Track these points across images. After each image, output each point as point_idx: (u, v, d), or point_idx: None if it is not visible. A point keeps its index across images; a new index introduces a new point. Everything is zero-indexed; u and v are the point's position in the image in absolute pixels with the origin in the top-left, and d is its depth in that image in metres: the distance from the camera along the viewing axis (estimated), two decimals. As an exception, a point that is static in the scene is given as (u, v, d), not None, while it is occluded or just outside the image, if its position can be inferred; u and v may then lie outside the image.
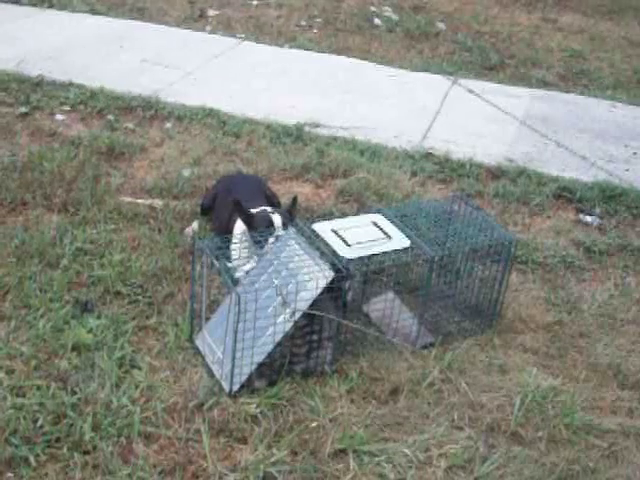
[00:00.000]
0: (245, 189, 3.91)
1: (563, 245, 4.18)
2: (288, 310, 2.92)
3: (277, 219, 3.39)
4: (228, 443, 2.76)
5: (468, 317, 3.48)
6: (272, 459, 2.68)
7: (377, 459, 2.74)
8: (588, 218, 4.55)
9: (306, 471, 2.66)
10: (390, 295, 3.45)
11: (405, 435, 2.86)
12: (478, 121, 5.65)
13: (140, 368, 3.02)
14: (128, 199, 4.16)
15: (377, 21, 7.78)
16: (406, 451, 2.78)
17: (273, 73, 6.14)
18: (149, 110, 5.26)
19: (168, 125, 5.12)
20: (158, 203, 4.16)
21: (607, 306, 3.72)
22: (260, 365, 2.96)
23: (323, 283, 2.94)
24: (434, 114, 5.68)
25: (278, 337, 2.94)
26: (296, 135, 5.09)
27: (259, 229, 3.37)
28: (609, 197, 4.71)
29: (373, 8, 8.24)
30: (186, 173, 4.48)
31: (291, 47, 6.90)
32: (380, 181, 4.55)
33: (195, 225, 3.97)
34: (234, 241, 3.42)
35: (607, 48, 7.79)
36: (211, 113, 5.26)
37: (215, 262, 2.95)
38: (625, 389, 3.19)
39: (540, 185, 4.76)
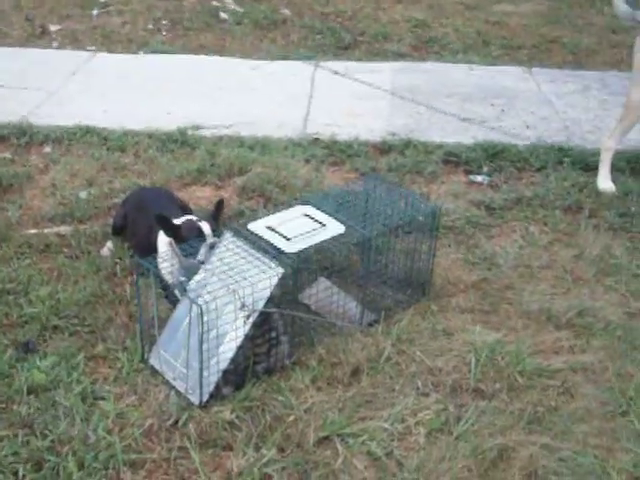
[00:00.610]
0: (157, 202, 3.87)
1: (464, 207, 4.38)
2: (244, 312, 2.94)
3: (205, 227, 3.39)
4: (215, 453, 2.77)
5: (400, 290, 3.60)
6: (263, 460, 2.71)
7: (361, 439, 2.83)
8: (478, 178, 4.79)
9: (298, 464, 2.71)
10: (322, 280, 3.53)
11: (378, 411, 2.96)
12: (351, 100, 5.79)
13: (104, 398, 2.97)
14: (33, 231, 4.04)
15: (223, 15, 7.78)
16: (385, 425, 2.88)
17: (138, 81, 6.05)
18: (23, 137, 5.08)
19: (47, 149, 4.98)
20: (66, 229, 4.05)
21: (520, 257, 3.95)
22: (225, 372, 2.97)
23: (275, 280, 2.98)
24: (308, 99, 5.78)
25: (239, 341, 2.96)
26: (181, 140, 5.06)
27: (188, 240, 3.36)
28: (492, 155, 4.96)
29: (215, 3, 8.22)
30: (83, 195, 4.38)
31: (146, 52, 6.82)
32: (278, 173, 4.60)
33: (109, 245, 3.90)
34: (162, 257, 3.39)
35: (447, 14, 8.11)
36: (89, 131, 5.14)
37: (163, 279, 2.93)
38: (561, 330, 3.42)
39: (427, 153, 4.96)
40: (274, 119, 5.43)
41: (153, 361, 3.15)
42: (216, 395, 2.97)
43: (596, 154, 4.87)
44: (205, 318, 2.79)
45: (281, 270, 2.99)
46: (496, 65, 6.68)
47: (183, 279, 3.00)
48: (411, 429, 2.88)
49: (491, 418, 2.92)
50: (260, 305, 2.97)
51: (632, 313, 3.56)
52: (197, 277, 3.03)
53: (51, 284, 3.60)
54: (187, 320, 3.03)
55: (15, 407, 2.91)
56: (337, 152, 5.00)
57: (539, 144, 5.09)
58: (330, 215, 3.34)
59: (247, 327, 2.97)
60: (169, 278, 3.41)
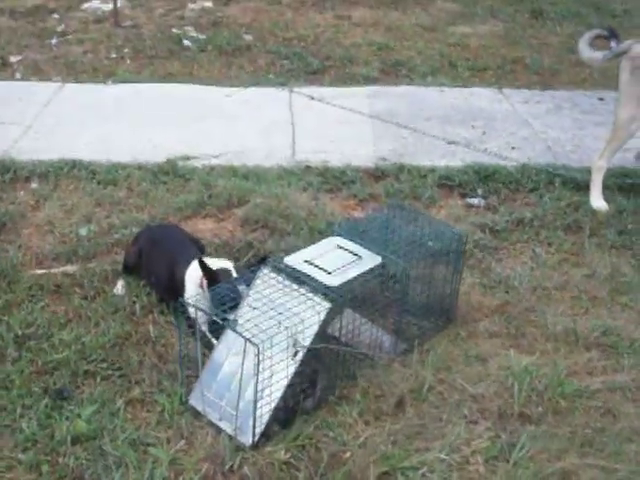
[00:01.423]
0: (172, 240, 3.82)
1: (469, 230, 4.41)
2: (294, 349, 2.91)
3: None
4: (277, 495, 2.71)
5: (424, 317, 3.60)
6: (328, 501, 2.67)
7: (420, 471, 2.82)
8: (474, 201, 4.84)
9: (364, 502, 2.68)
10: (349, 312, 3.51)
11: (431, 442, 2.95)
12: (333, 126, 5.80)
13: (153, 444, 2.89)
14: (40, 271, 3.93)
15: (186, 42, 7.72)
16: (441, 456, 2.87)
17: (114, 111, 5.95)
18: (6, 173, 4.94)
19: (34, 185, 4.85)
20: (73, 269, 3.95)
21: (534, 279, 4.01)
22: (274, 410, 2.93)
23: (323, 316, 2.95)
24: (291, 126, 5.77)
25: (289, 378, 2.92)
26: (172, 171, 5.00)
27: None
28: (485, 177, 5.03)
29: (175, 30, 8.15)
30: (83, 232, 4.29)
31: (114, 82, 6.71)
32: (279, 203, 4.58)
33: (122, 283, 3.82)
34: (192, 296, 3.34)
35: (406, 37, 8.20)
36: (76, 165, 5.03)
37: (217, 319, 2.87)
38: (590, 350, 3.47)
39: (422, 178, 5.00)
40: (261, 147, 5.40)
41: (194, 402, 3.08)
42: (266, 435, 2.92)
43: (584, 172, 4.98)
44: (262, 357, 2.73)
45: (328, 304, 2.96)
46: (467, 87, 6.77)
47: (232, 317, 2.94)
48: (468, 459, 2.88)
49: (544, 443, 2.94)
50: (308, 341, 2.93)
51: (651, 331, 3.63)
52: (240, 313, 2.97)
53: (72, 327, 3.51)
54: (234, 358, 2.97)
55: (61, 459, 2.80)
56: (331, 179, 5.00)
57: (528, 165, 5.17)
58: (362, 246, 3.32)
59: (296, 364, 2.92)
60: (198, 318, 3.35)
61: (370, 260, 3.22)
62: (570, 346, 3.50)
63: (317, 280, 3.07)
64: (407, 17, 8.94)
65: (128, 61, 7.33)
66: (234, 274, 3.36)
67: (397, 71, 7.23)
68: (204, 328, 3.40)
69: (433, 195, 4.82)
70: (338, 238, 3.37)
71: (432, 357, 3.36)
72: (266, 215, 4.47)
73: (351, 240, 3.35)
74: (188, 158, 5.17)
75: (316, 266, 3.15)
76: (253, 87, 6.61)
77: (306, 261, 3.19)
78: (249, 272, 3.21)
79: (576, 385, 3.23)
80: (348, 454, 2.88)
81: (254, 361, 2.77)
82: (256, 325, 2.81)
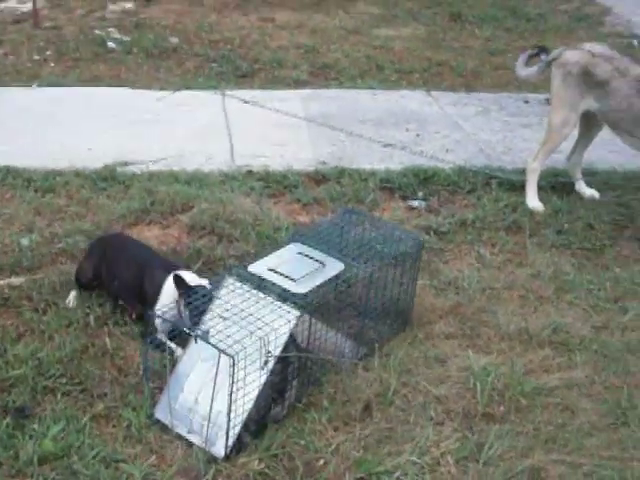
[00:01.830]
0: (140, 247, 3.77)
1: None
2: (263, 358, 2.91)
3: None
4: (257, 507, 2.71)
5: (381, 321, 3.65)
6: (311, 509, 2.68)
7: (395, 475, 2.85)
8: (415, 203, 4.92)
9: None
10: (305, 318, 3.51)
11: (401, 445, 3.00)
12: (270, 129, 5.81)
13: (124, 461, 2.84)
14: (-17, 284, 3.79)
15: (111, 44, 7.59)
16: (413, 459, 2.92)
17: (45, 117, 5.80)
18: None
19: (-33, 194, 4.68)
20: (19, 280, 3.84)
21: (482, 280, 4.10)
22: (246, 420, 2.92)
23: (293, 324, 2.96)
24: (227, 130, 5.74)
25: (259, 388, 2.92)
26: (111, 178, 4.92)
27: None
28: (424, 180, 5.12)
29: (97, 31, 8.01)
30: (25, 242, 4.18)
31: (41, 85, 6.54)
32: (224, 208, 4.56)
33: (74, 294, 3.73)
34: (165, 307, 3.30)
35: (332, 40, 8.26)
36: (9, 172, 4.89)
37: (188, 332, 2.84)
38: (543, 348, 3.58)
39: (363, 181, 5.05)
40: (200, 152, 5.36)
41: (160, 415, 3.05)
42: (238, 446, 2.91)
43: (518, 174, 5.12)
44: (236, 368, 2.72)
45: (297, 313, 2.97)
46: (397, 90, 6.86)
47: (203, 329, 2.91)
48: (439, 460, 2.94)
49: (510, 441, 3.02)
50: (279, 350, 2.93)
51: (598, 327, 3.78)
52: (210, 323, 2.95)
53: (25, 342, 3.41)
54: (200, 369, 2.95)
55: (28, 480, 2.72)
56: (273, 183, 5.01)
57: (464, 167, 5.28)
58: (322, 252, 3.34)
59: (267, 373, 2.92)
60: (161, 327, 3.32)
61: (333, 267, 3.24)
62: (524, 345, 3.60)
63: (284, 288, 3.07)
64: (330, 20, 8.99)
65: (52, 64, 7.16)
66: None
67: (326, 74, 7.27)
68: (164, 338, 3.36)
69: (375, 198, 4.88)
70: (298, 245, 3.38)
71: (393, 361, 3.41)
72: (212, 221, 4.44)
73: (310, 247, 3.35)
74: (126, 164, 5.09)
75: (281, 274, 3.15)
76: (184, 90, 6.53)
77: (270, 269, 3.19)
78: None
79: (534, 383, 3.32)
80: (322, 462, 2.90)
81: (228, 372, 2.75)
82: (229, 336, 2.79)
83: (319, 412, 3.11)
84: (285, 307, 2.97)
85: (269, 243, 4.27)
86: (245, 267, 3.22)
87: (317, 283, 3.13)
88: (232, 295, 3.05)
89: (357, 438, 3.01)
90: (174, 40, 7.87)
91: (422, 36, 8.64)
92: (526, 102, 6.68)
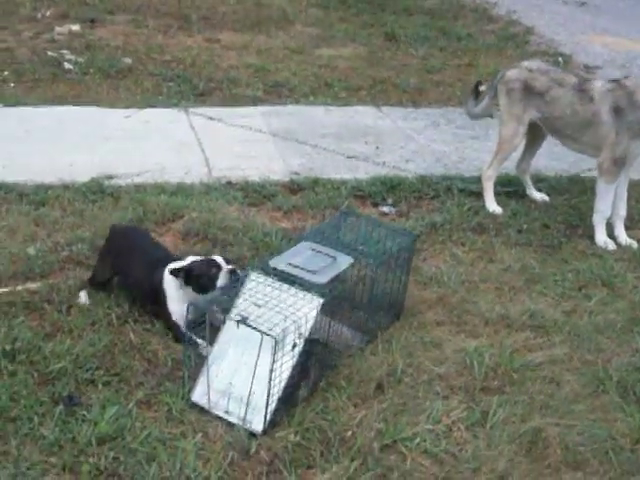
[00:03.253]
0: (144, 245, 4.04)
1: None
2: (293, 341, 3.25)
3: (218, 258, 3.64)
4: (299, 473, 3.03)
5: (377, 311, 4.02)
6: (349, 473, 3.02)
7: (416, 441, 3.22)
8: (385, 209, 5.33)
9: (371, 469, 3.05)
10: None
11: (416, 417, 3.37)
12: (239, 144, 6.13)
13: (173, 439, 3.12)
14: (3, 289, 4.01)
15: (68, 65, 7.77)
16: (429, 427, 3.30)
17: (22, 135, 5.98)
18: None
19: (-36, 209, 4.86)
20: (35, 285, 4.07)
21: (459, 274, 4.52)
22: (280, 398, 3.25)
23: (318, 310, 3.31)
24: (199, 145, 6.04)
25: (290, 368, 3.26)
26: (100, 190, 5.15)
27: (206, 274, 3.59)
28: (391, 188, 5.54)
29: (50, 53, 8.17)
30: (32, 251, 4.39)
31: (7, 105, 6.70)
32: (214, 216, 4.86)
33: (84, 293, 3.98)
34: (173, 299, 3.62)
35: (278, 59, 8.64)
36: (1, 187, 5.08)
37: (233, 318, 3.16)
38: (525, 331, 4.02)
39: (336, 190, 5.43)
40: (178, 165, 5.64)
41: (197, 398, 3.34)
42: (272, 422, 3.23)
43: (475, 181, 5.60)
44: (279, 349, 3.05)
45: (321, 299, 3.32)
46: (349, 105, 7.28)
47: (243, 315, 3.22)
48: (451, 427, 3.32)
49: (510, 409, 3.43)
50: (307, 334, 3.27)
51: (568, 312, 4.24)
52: (239, 308, 3.26)
53: (57, 339, 3.63)
54: (235, 353, 3.26)
55: (91, 459, 2.98)
56: (252, 193, 5.33)
57: (426, 175, 5.73)
58: (332, 248, 3.70)
59: (295, 355, 3.26)
60: (180, 321, 3.61)
61: (344, 260, 3.60)
62: (507, 329, 4.03)
63: (305, 279, 3.42)
64: (273, 40, 9.37)
65: (12, 84, 7.29)
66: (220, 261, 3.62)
67: (279, 92, 7.64)
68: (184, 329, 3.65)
69: (350, 205, 5.25)
70: (309, 243, 3.72)
71: (395, 345, 3.78)
72: (204, 228, 4.73)
73: (321, 244, 3.71)
74: (112, 177, 5.33)
75: (300, 267, 3.49)
76: (149, 108, 6.78)
77: (289, 264, 3.52)
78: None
79: (522, 360, 3.75)
80: (349, 433, 3.23)
81: (265, 353, 3.07)
82: (268, 320, 3.12)
83: (339, 391, 3.45)
84: (309, 295, 3.31)
85: (262, 246, 4.60)
86: (266, 262, 3.54)
87: (334, 274, 3.48)
88: (260, 287, 3.37)
89: (376, 412, 3.36)
90: (127, 60, 8.10)
91: (362, 55, 9.09)
92: (471, 116, 7.15)
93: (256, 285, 3.39)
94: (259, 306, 3.23)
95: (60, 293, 3.98)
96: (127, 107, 6.80)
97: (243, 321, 3.13)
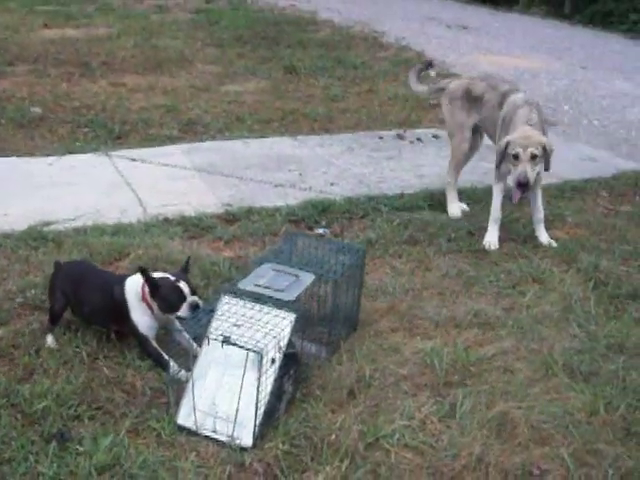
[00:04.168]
0: (94, 270, 4.18)
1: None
2: (274, 356, 3.44)
3: (185, 287, 3.80)
4: (296, 478, 3.22)
5: (333, 325, 4.25)
6: (342, 471, 3.23)
7: (396, 437, 3.46)
8: (320, 231, 5.59)
9: (361, 467, 3.27)
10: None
11: (390, 415, 3.60)
12: (167, 182, 6.27)
13: (170, 461, 3.26)
14: (-34, 339, 4.04)
15: (-23, 118, 7.74)
16: (405, 422, 3.54)
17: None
18: None
19: None
20: (-1, 332, 4.11)
21: (402, 284, 4.80)
22: (265, 411, 3.44)
23: (292, 325, 3.52)
24: (128, 186, 6.15)
25: (272, 382, 3.45)
26: (41, 237, 5.20)
27: (169, 300, 3.76)
28: (322, 210, 5.80)
29: (-45, 106, 8.11)
30: (-15, 301, 4.42)
31: None
32: (159, 252, 4.99)
33: (50, 337, 4.05)
34: (136, 310, 3.79)
35: (186, 98, 8.85)
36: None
37: (215, 338, 3.33)
38: (472, 328, 4.33)
39: (270, 217, 5.65)
40: (112, 207, 5.74)
41: (182, 421, 3.48)
42: (259, 435, 3.41)
43: (397, 198, 5.94)
44: (264, 364, 3.24)
45: (294, 315, 3.53)
46: (264, 137, 7.54)
47: (224, 334, 3.40)
48: (424, 421, 3.57)
49: (475, 399, 3.70)
50: (284, 349, 3.48)
51: (507, 308, 4.58)
52: (219, 330, 3.43)
53: (34, 380, 3.70)
54: (215, 372, 3.43)
55: (99, 491, 3.09)
56: (191, 227, 5.49)
57: (352, 197, 6.02)
58: (292, 267, 3.93)
59: (276, 369, 3.46)
60: (148, 332, 3.78)
61: (306, 277, 3.82)
62: (456, 328, 4.32)
63: (275, 297, 3.62)
64: (177, 80, 9.57)
65: None
66: (173, 279, 3.78)
67: (194, 129, 7.83)
68: (154, 344, 3.81)
69: (287, 230, 5.48)
70: (269, 264, 3.93)
71: (358, 354, 4.02)
72: (152, 263, 4.84)
73: (281, 264, 3.92)
74: (49, 223, 5.39)
75: (268, 287, 3.70)
76: (69, 155, 6.85)
77: (257, 284, 3.72)
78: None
79: (476, 355, 4.04)
80: (333, 436, 3.44)
81: (254, 369, 3.26)
82: (250, 337, 3.31)
83: (315, 400, 3.65)
84: (282, 312, 3.52)
85: (212, 275, 4.77)
86: (235, 285, 3.73)
87: (300, 290, 3.69)
88: (234, 308, 3.56)
89: (353, 415, 3.58)
90: (37, 110, 8.12)
91: (266, 89, 9.39)
92: (380, 138, 7.55)
93: (230, 307, 3.56)
94: (238, 326, 3.40)
95: (25, 337, 4.03)
96: (47, 155, 6.83)
97: (227, 340, 3.30)
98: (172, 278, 3.81)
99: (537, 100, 5.58)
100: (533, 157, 4.98)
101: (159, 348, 3.80)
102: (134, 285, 3.86)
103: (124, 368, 3.86)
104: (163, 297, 3.76)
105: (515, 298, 4.66)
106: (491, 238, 5.32)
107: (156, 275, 3.84)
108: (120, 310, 3.86)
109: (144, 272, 3.75)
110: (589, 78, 10.99)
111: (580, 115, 9.26)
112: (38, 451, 3.27)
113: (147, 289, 3.78)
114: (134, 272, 3.96)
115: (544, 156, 5.04)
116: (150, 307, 3.81)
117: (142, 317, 3.80)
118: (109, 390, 3.69)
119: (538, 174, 5.14)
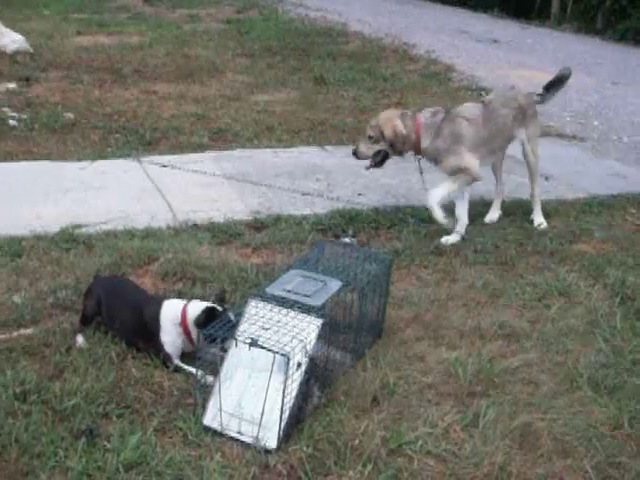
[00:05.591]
0: (127, 288, 4.24)
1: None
2: (300, 360, 3.49)
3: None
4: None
5: (362, 331, 4.28)
6: (363, 478, 3.26)
7: (419, 443, 3.49)
8: (347, 239, 5.63)
9: (383, 472, 3.30)
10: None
11: (414, 422, 3.63)
12: (197, 188, 6.35)
13: (196, 460, 3.31)
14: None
15: (12, 122, 7.88)
16: (428, 430, 3.57)
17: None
18: None
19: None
20: (29, 332, 4.19)
21: (428, 295, 4.83)
22: (290, 414, 3.48)
23: (318, 330, 3.57)
24: (158, 192, 6.23)
25: (298, 386, 3.49)
26: (72, 239, 5.29)
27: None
28: (349, 220, 5.85)
29: (-8, 111, 8.26)
30: (18, 300, 4.50)
31: (-43, 163, 6.77)
32: (189, 256, 5.06)
33: (81, 337, 4.13)
34: (166, 332, 3.84)
35: (216, 107, 8.95)
36: (-27, 241, 5.17)
37: (242, 340, 3.38)
38: (497, 340, 4.34)
39: (298, 225, 5.71)
40: (143, 212, 5.82)
41: (209, 422, 3.53)
42: (284, 437, 3.45)
43: (424, 210, 5.96)
44: (291, 366, 3.29)
45: (321, 320, 3.57)
46: (294, 147, 7.60)
47: (253, 338, 3.45)
48: (448, 429, 3.59)
49: (498, 409, 3.72)
50: (311, 353, 3.52)
51: (532, 320, 4.59)
52: (246, 333, 3.48)
53: (64, 379, 3.77)
54: (241, 376, 3.48)
55: (127, 487, 3.14)
56: (219, 233, 5.56)
57: (380, 207, 6.06)
58: (320, 274, 3.97)
59: (302, 373, 3.50)
60: (172, 351, 3.84)
61: (334, 284, 3.87)
62: (481, 339, 4.34)
63: (302, 303, 3.67)
64: (208, 89, 9.67)
65: (-42, 142, 7.35)
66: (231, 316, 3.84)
67: (224, 137, 7.91)
68: (177, 361, 3.87)
69: (314, 238, 5.53)
70: (298, 270, 3.98)
71: (382, 361, 4.05)
72: (181, 268, 4.93)
73: (309, 271, 3.97)
74: (80, 226, 5.48)
75: (295, 292, 3.74)
76: (100, 160, 6.95)
77: (284, 289, 3.77)
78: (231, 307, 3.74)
79: (500, 366, 4.06)
80: (357, 441, 3.47)
81: (280, 372, 3.31)
82: (277, 341, 3.36)
83: (340, 406, 3.69)
84: (309, 317, 3.56)
85: (240, 281, 4.82)
86: (264, 290, 3.78)
87: (327, 296, 3.74)
88: (261, 312, 3.61)
89: (376, 421, 3.61)
90: (69, 115, 8.25)
91: (296, 99, 9.47)
92: (410, 150, 7.55)
93: (257, 311, 3.62)
94: (266, 329, 3.45)
95: (56, 336, 4.10)
96: (79, 160, 6.93)
97: (254, 343, 3.35)
98: (231, 315, 3.82)
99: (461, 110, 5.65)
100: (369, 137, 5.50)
101: (181, 364, 3.85)
102: (172, 309, 3.93)
103: (152, 369, 3.92)
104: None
105: (540, 311, 4.67)
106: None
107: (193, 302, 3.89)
108: (150, 328, 3.93)
109: (204, 314, 3.81)
110: (620, 94, 10.98)
111: (610, 131, 9.25)
112: (67, 447, 3.33)
113: (189, 315, 3.84)
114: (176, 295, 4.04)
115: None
116: (187, 332, 3.85)
117: (171, 338, 3.89)
118: (137, 390, 3.74)
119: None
